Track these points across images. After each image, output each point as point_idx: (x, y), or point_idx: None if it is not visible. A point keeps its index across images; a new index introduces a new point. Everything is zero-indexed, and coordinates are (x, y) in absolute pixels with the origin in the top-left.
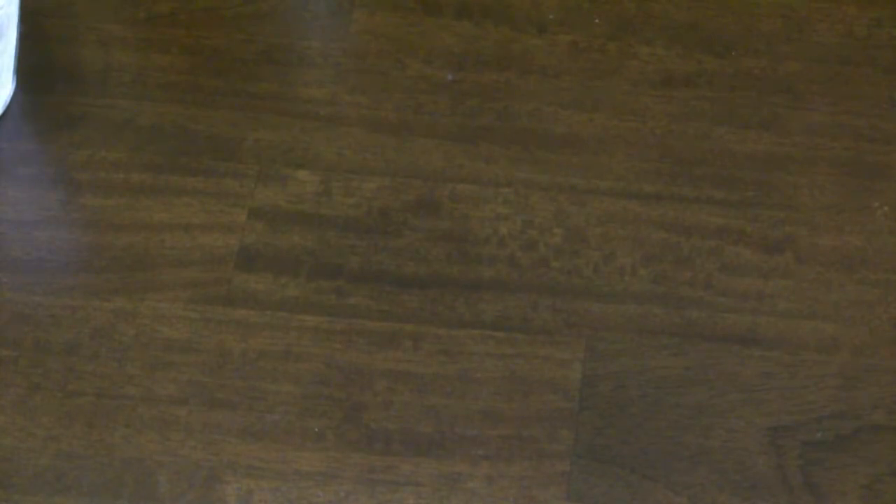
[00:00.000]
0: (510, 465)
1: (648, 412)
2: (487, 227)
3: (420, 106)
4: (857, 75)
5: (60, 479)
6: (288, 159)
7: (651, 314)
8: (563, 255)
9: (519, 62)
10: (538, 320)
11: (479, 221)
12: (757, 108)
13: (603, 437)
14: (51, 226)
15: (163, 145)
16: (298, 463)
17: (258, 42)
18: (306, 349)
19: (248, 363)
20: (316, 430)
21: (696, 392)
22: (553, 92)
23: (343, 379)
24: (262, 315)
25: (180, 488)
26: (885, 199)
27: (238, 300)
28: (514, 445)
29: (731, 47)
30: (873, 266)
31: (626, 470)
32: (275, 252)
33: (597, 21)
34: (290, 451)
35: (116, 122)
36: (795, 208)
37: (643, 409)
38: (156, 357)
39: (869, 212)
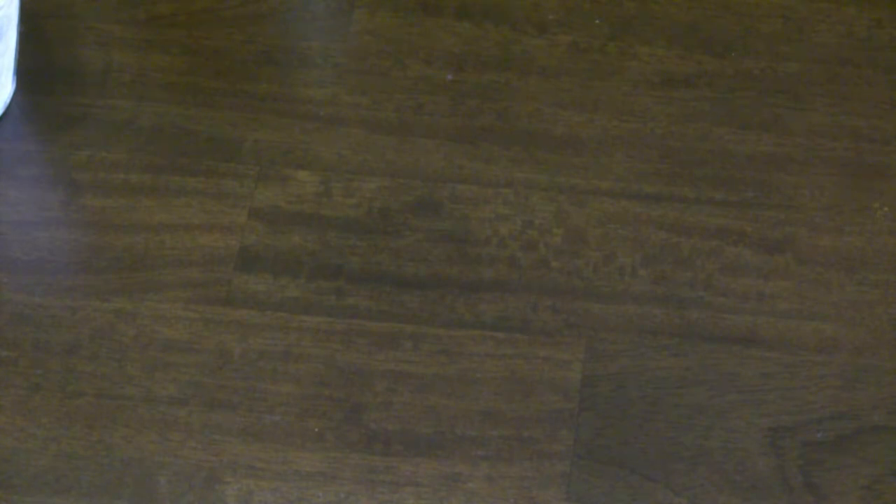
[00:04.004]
0: (510, 465)
1: (648, 413)
2: (487, 228)
3: (420, 106)
4: (858, 76)
5: (60, 479)
6: (288, 160)
7: (651, 314)
8: (563, 255)
9: (519, 63)
10: (538, 321)
11: (479, 222)
12: (757, 109)
13: (603, 437)
14: (51, 226)
15: (163, 146)
16: (298, 463)
17: (258, 42)
18: (306, 350)
19: (248, 363)
20: (316, 430)
21: (696, 392)
22: (553, 92)
23: (343, 379)
24: (262, 315)
25: (180, 489)
26: (885, 199)
27: (238, 301)
28: (514, 446)
29: (731, 48)
30: (873, 266)
31: (625, 470)
32: (275, 253)
33: (597, 21)
34: (290, 452)
35: (116, 123)
36: (795, 208)
37: (643, 410)
38: (156, 357)
39: (869, 212)
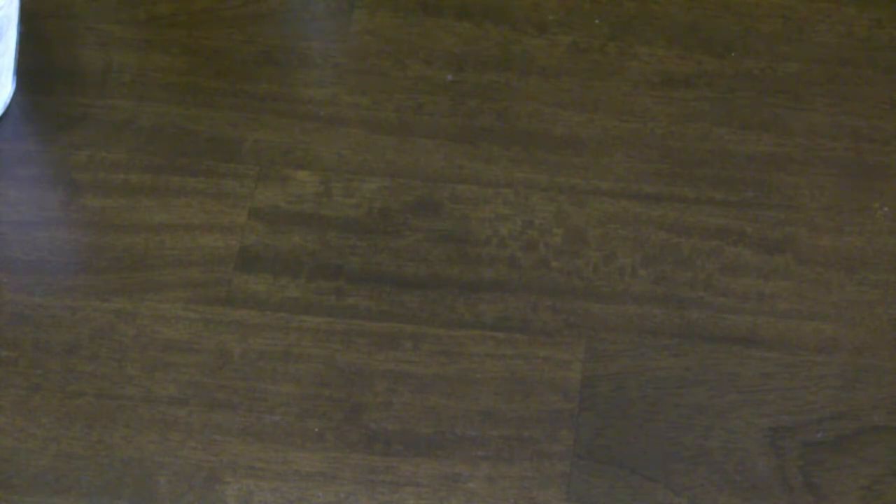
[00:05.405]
0: (510, 465)
1: (648, 413)
2: (487, 228)
3: (420, 106)
4: (857, 76)
5: (60, 479)
6: (288, 160)
7: (651, 315)
8: (564, 255)
9: (519, 63)
10: (538, 321)
11: (479, 222)
12: (757, 109)
13: (603, 437)
14: (51, 226)
15: (163, 146)
16: (298, 463)
17: (258, 43)
18: (306, 350)
19: (248, 364)
20: (316, 430)
21: (696, 392)
22: (553, 93)
23: (343, 379)
24: (262, 315)
25: (180, 489)
26: (885, 199)
27: (238, 301)
28: (514, 446)
29: (731, 48)
30: (873, 266)
31: (625, 470)
32: (275, 253)
33: (597, 22)
34: (290, 452)
35: (116, 123)
36: (795, 208)
37: (643, 410)
38: (156, 357)
39: (869, 212)
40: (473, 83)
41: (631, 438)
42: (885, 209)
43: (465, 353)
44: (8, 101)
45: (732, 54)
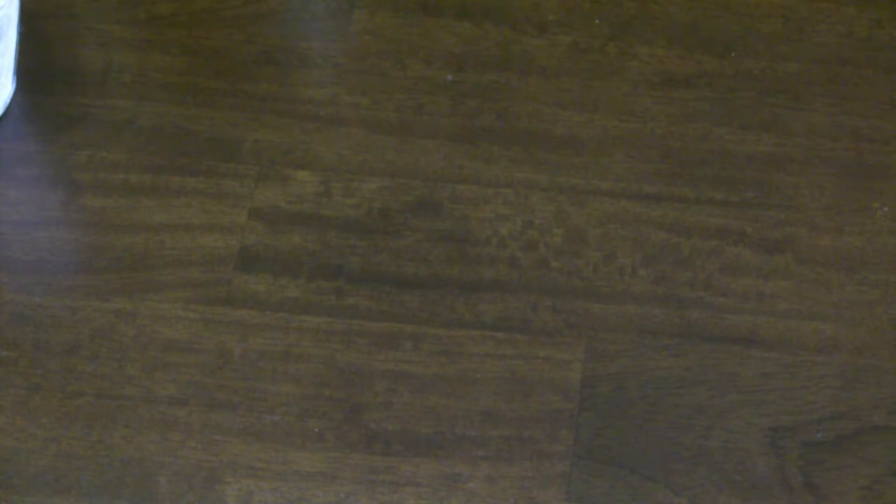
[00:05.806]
0: (510, 465)
1: (648, 413)
2: (487, 228)
3: (420, 106)
4: (858, 76)
5: (60, 479)
6: (288, 160)
7: (651, 315)
8: (564, 255)
9: (519, 63)
10: (538, 321)
11: (479, 222)
12: (757, 109)
13: (603, 437)
14: (51, 226)
15: (163, 146)
16: (298, 463)
17: (258, 43)
18: (306, 350)
19: (248, 364)
20: (316, 430)
21: (696, 392)
22: (553, 93)
23: (343, 379)
24: (262, 316)
25: (180, 489)
26: (885, 199)
27: (238, 301)
28: (514, 446)
29: (731, 48)
30: (873, 266)
31: (625, 470)
32: (275, 253)
33: (597, 22)
34: (290, 452)
35: (116, 123)
36: (795, 208)
37: (643, 410)
38: (156, 357)
39: (869, 212)
40: (473, 83)
41: (631, 438)
42: (885, 209)
43: (465, 353)
44: (8, 101)
45: (732, 54)
